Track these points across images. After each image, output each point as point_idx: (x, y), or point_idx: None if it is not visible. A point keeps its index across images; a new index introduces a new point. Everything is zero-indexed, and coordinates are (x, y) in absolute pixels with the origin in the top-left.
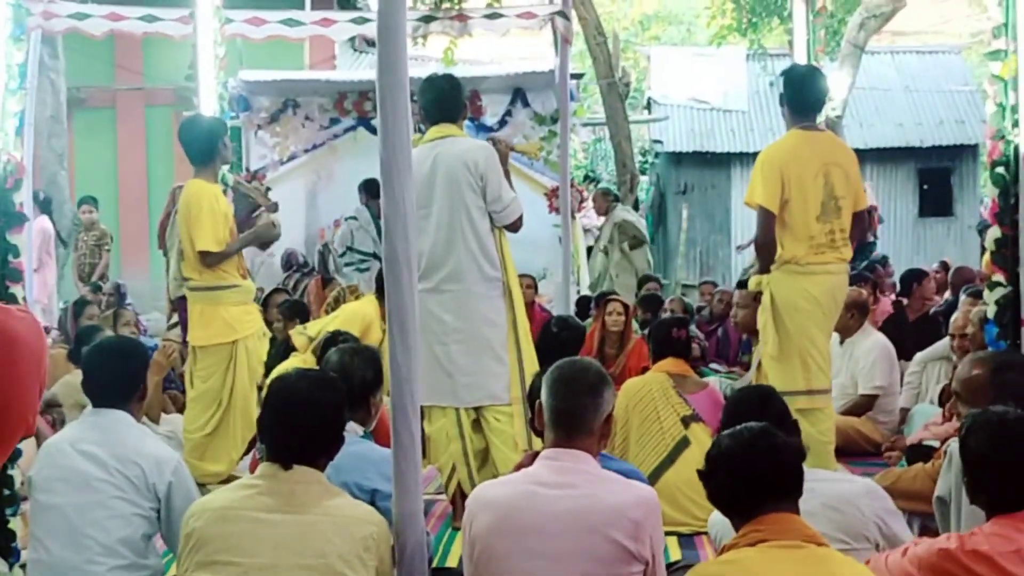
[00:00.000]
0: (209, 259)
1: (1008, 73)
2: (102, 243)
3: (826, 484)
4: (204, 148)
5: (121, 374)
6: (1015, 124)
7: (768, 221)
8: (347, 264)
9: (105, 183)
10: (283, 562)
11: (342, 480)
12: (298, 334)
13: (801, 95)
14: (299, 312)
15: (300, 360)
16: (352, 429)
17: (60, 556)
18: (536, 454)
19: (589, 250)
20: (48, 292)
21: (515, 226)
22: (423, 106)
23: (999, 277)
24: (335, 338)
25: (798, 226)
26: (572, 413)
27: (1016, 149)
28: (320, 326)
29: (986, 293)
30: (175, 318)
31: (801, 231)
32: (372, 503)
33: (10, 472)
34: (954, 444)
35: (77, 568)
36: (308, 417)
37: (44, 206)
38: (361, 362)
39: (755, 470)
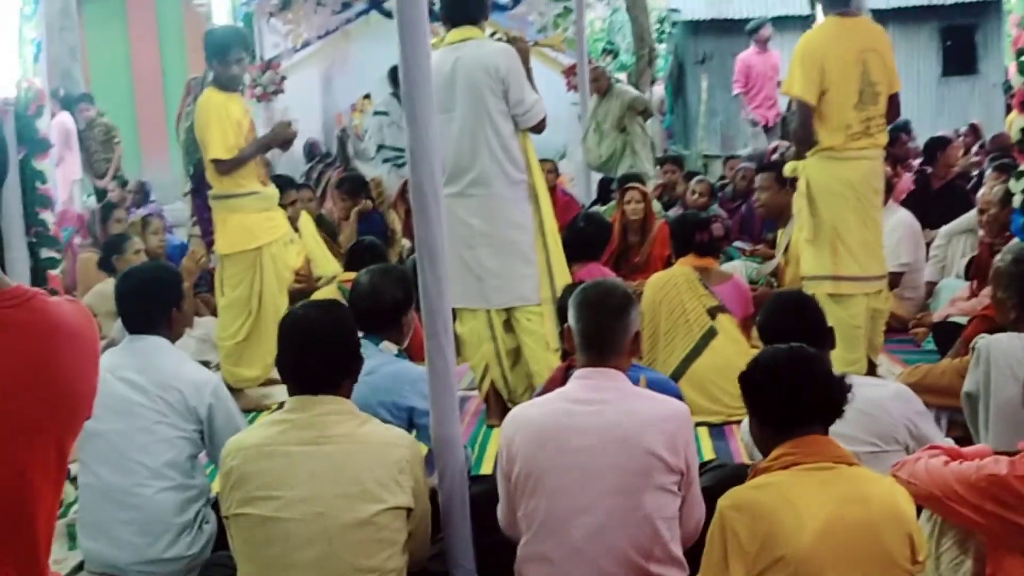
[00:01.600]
0: (222, 166)
1: None
2: (111, 137)
3: (856, 389)
4: (216, 58)
5: (153, 303)
6: None
7: (806, 113)
8: (384, 160)
9: (119, 75)
10: (322, 492)
11: (379, 400)
12: None
13: None
14: (359, 189)
15: None
16: (387, 348)
17: (109, 481)
18: (567, 367)
19: None
20: (69, 187)
21: (539, 128)
22: (443, 7)
23: None
24: (359, 247)
25: (834, 116)
26: (601, 336)
27: None
28: None
29: (1012, 183)
30: None
31: (837, 121)
32: (409, 420)
33: None
34: (983, 340)
35: (127, 492)
36: (323, 343)
37: (64, 103)
38: (390, 282)
39: (789, 394)
